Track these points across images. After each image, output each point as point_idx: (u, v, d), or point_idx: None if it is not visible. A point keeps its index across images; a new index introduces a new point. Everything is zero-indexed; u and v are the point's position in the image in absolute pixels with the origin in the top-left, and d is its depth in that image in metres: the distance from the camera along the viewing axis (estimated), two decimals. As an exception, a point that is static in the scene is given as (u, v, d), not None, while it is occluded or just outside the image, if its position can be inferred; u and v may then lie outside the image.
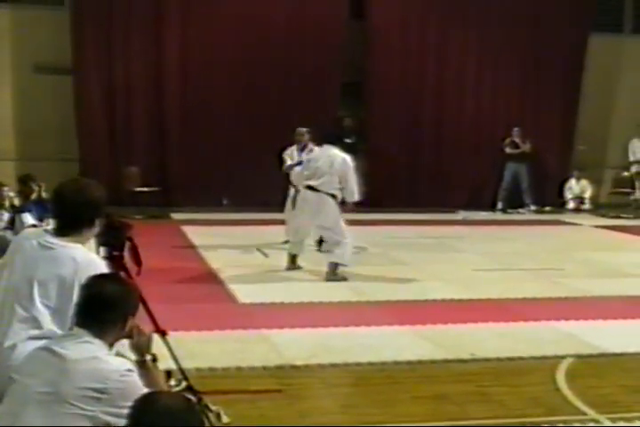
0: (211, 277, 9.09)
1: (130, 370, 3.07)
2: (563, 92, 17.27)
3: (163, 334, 4.29)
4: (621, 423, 4.92)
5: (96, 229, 3.74)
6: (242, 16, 15.54)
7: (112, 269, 3.76)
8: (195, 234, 12.10)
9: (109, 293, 3.22)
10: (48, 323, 3.51)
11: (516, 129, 16.79)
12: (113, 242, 3.93)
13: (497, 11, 16.57)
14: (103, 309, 3.18)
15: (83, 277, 3.41)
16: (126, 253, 4.07)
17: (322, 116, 16.15)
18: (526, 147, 16.84)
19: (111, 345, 3.20)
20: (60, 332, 3.46)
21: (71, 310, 3.44)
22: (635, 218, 16.07)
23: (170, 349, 4.45)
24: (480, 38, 16.79)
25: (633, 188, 17.22)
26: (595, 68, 17.38)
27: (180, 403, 2.60)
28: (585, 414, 5.05)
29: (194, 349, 6.00)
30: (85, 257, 3.59)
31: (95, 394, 2.94)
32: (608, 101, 17.85)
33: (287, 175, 11.07)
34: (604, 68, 17.58)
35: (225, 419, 4.63)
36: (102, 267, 3.61)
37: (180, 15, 15.52)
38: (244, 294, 8.16)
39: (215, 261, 9.96)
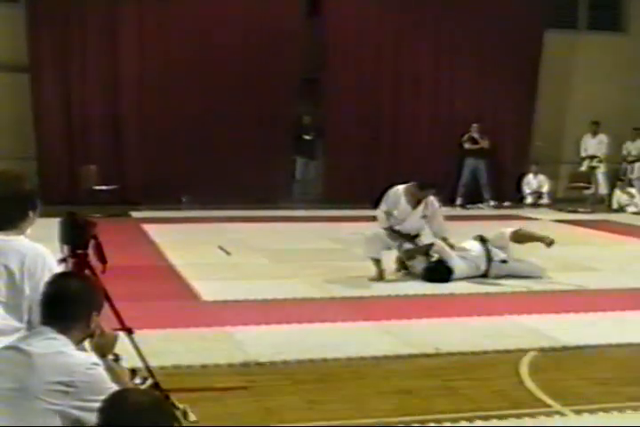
0: (173, 275, 9.04)
1: (95, 364, 3.07)
2: (520, 89, 17.42)
3: (129, 331, 4.26)
4: (585, 415, 4.96)
5: (33, 221, 3.67)
6: (199, 15, 15.51)
7: (76, 268, 3.73)
8: (155, 232, 12.03)
9: (72, 289, 3.22)
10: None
11: (474, 125, 16.93)
12: (77, 240, 3.90)
13: (454, 7, 16.64)
14: (66, 305, 3.17)
15: (32, 268, 3.39)
16: (90, 251, 4.04)
17: (281, 114, 16.19)
18: (485, 143, 16.98)
19: (78, 343, 3.17)
20: (17, 324, 3.43)
21: (25, 304, 3.41)
22: (591, 212, 16.27)
23: (136, 346, 4.41)
24: (437, 35, 16.90)
25: (589, 182, 17.42)
26: (550, 65, 17.54)
27: (152, 400, 2.58)
28: (549, 406, 5.09)
29: (158, 347, 5.95)
30: (30, 247, 3.56)
31: (62, 388, 2.93)
32: (564, 98, 18.05)
33: None
34: (560, 65, 17.76)
35: (192, 417, 4.61)
36: (49, 256, 3.58)
37: (137, 14, 15.41)
38: (207, 291, 8.13)
39: (177, 258, 9.90)
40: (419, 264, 9.19)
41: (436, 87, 17.14)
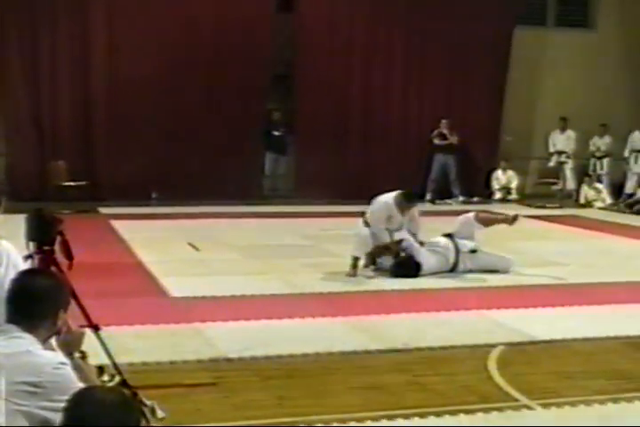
0: (142, 272, 9.00)
1: (63, 363, 3.03)
2: (489, 85, 17.46)
3: (96, 328, 4.24)
4: (553, 409, 5.00)
5: None
6: (169, 10, 15.40)
7: (43, 264, 3.71)
8: (124, 228, 11.97)
9: (38, 286, 3.18)
10: None
11: (443, 121, 16.95)
12: (44, 237, 3.87)
13: (423, 3, 16.67)
14: (32, 303, 3.13)
15: None
16: (57, 248, 4.01)
17: (251, 110, 16.16)
18: (454, 139, 17.01)
19: (44, 341, 3.14)
20: None
21: None
22: (559, 207, 16.39)
23: (103, 343, 4.39)
24: (407, 31, 16.89)
25: (558, 178, 17.54)
26: (520, 61, 17.60)
27: (117, 397, 2.55)
28: (517, 400, 5.13)
29: (126, 343, 5.94)
30: None
31: (29, 388, 2.89)
32: (533, 94, 18.14)
33: None
34: (529, 61, 17.83)
35: (160, 414, 4.58)
36: (14, 252, 3.56)
37: (107, 13, 15.30)
38: (176, 287, 8.10)
39: (146, 255, 9.86)
40: (387, 260, 9.23)
41: (406, 83, 17.15)
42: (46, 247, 3.87)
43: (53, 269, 3.86)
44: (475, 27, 16.84)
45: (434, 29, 16.78)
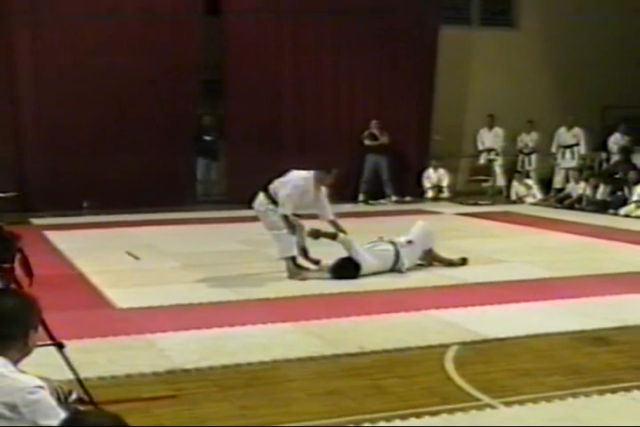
0: (83, 283, 8.82)
1: (39, 386, 2.93)
2: (418, 84, 17.61)
3: (60, 346, 4.13)
4: (516, 407, 5.03)
5: None
6: (93, 13, 15.16)
7: (4, 282, 3.60)
8: (59, 239, 11.75)
9: (7, 307, 3.10)
10: None
11: (373, 122, 17.04)
12: (4, 254, 3.76)
13: (352, 3, 16.71)
14: (3, 325, 3.04)
15: None
16: (16, 265, 3.90)
17: (181, 115, 16.02)
18: (384, 139, 17.11)
19: (17, 362, 3.05)
20: None
21: None
22: (491, 204, 16.59)
23: (67, 361, 4.28)
24: (336, 31, 16.96)
25: (488, 175, 17.77)
26: (447, 61, 17.80)
27: (109, 420, 2.49)
28: (479, 400, 5.14)
29: (78, 358, 5.71)
30: None
31: (7, 412, 2.80)
32: (461, 93, 18.36)
33: None
34: (456, 61, 18.04)
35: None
36: None
37: (31, 16, 15.01)
38: (121, 298, 7.96)
39: (85, 266, 9.67)
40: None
41: (336, 85, 17.19)
42: (6, 265, 3.76)
43: (13, 286, 3.75)
44: (401, 26, 16.97)
45: (362, 29, 16.88)
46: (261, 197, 9.32)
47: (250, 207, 9.62)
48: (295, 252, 9.22)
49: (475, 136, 18.27)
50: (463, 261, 9.67)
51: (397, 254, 9.25)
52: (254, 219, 13.81)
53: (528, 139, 18.16)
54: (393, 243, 9.31)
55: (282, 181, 9.28)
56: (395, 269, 9.23)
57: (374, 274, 9.11)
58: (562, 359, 6.00)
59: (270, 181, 9.41)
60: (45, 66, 15.13)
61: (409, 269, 9.28)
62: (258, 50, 16.50)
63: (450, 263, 9.61)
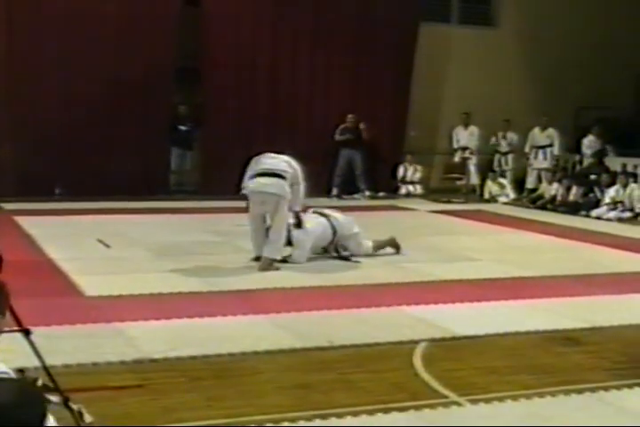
0: (53, 270, 8.76)
1: (4, 373, 2.89)
2: (395, 80, 17.61)
3: (26, 333, 4.08)
4: (482, 404, 5.04)
5: None
6: (71, 5, 15.03)
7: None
8: (30, 225, 11.65)
9: None
10: None
11: (350, 116, 17.01)
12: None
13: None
14: None
15: None
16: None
17: (156, 103, 15.92)
18: (365, 134, 17.06)
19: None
20: None
21: None
22: (465, 202, 16.63)
23: (34, 347, 4.23)
24: (313, 26, 16.92)
25: (462, 173, 17.79)
26: (425, 57, 17.81)
27: (14, 394, 2.35)
28: (446, 397, 5.15)
29: (44, 345, 5.61)
30: None
31: None
32: (438, 89, 18.38)
33: None
34: (434, 58, 18.06)
35: (88, 418, 4.44)
36: None
37: (5, 6, 14.86)
38: (90, 286, 7.90)
39: (55, 252, 9.61)
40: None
41: (312, 78, 17.15)
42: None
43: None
44: (380, 21, 16.97)
45: (340, 24, 16.85)
46: (282, 182, 9.41)
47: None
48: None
49: (450, 133, 18.28)
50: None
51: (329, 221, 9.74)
52: (226, 210, 13.93)
53: (506, 140, 18.09)
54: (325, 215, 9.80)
55: (288, 161, 9.66)
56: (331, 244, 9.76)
57: (346, 269, 9.12)
58: (531, 358, 6.02)
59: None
60: (18, 56, 14.94)
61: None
62: (234, 40, 16.40)
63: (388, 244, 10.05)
